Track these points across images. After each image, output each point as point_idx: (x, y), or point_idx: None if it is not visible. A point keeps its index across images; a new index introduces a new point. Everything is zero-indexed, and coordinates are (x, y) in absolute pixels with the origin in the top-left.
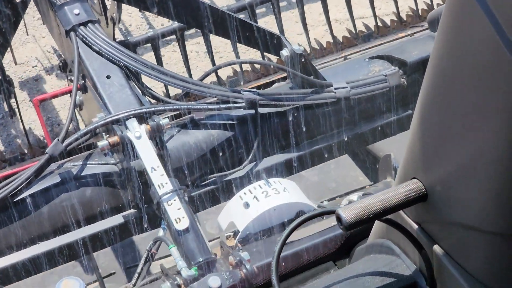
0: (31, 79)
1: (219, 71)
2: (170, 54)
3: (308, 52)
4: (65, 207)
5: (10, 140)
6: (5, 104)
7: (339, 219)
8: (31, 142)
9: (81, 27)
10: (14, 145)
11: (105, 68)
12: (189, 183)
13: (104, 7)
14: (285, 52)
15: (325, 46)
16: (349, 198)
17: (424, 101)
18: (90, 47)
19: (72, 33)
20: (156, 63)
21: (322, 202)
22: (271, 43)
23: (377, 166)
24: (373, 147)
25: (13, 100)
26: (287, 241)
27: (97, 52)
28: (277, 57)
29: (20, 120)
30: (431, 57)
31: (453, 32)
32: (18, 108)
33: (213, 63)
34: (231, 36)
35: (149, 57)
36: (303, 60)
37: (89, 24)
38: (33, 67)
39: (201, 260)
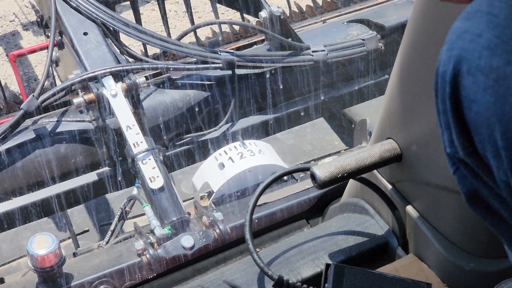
0: (8, 34)
1: (198, 32)
2: (149, 12)
3: (288, 15)
4: (39, 162)
5: None
6: None
7: (313, 177)
8: (6, 97)
9: None
10: None
11: (83, 25)
12: (165, 142)
13: None
14: (263, 14)
15: (304, 9)
16: (324, 161)
17: (401, 63)
18: (68, 3)
19: None
20: (134, 22)
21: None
22: (250, 4)
23: (353, 131)
24: (349, 111)
25: None
26: (261, 202)
27: (75, 9)
28: (256, 19)
29: None
30: (409, 20)
31: None
32: None
33: (192, 23)
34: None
35: (128, 15)
36: (281, 22)
37: None
38: (10, 21)
39: (174, 219)
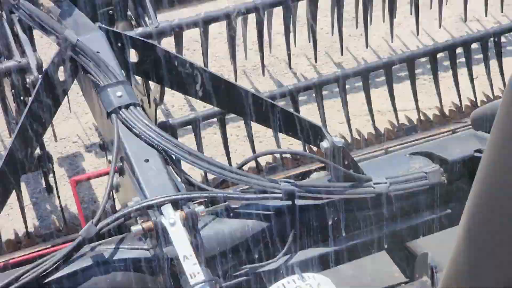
0: (71, 155)
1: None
2: (210, 136)
3: (349, 142)
4: None
5: (46, 215)
6: (43, 179)
7: None
8: (66, 219)
9: (123, 110)
10: (49, 221)
11: (144, 152)
12: (222, 273)
13: (148, 89)
14: (325, 144)
15: (366, 137)
16: None
17: (473, 211)
18: (130, 130)
19: (113, 115)
20: (196, 145)
21: None
22: (311, 133)
23: (414, 264)
24: (411, 243)
25: (51, 175)
26: None
27: (137, 135)
28: (317, 148)
29: (57, 196)
30: (483, 159)
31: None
32: (55, 184)
33: (253, 148)
34: (273, 126)
35: (189, 138)
36: (343, 153)
37: (130, 107)
38: (73, 142)
39: None
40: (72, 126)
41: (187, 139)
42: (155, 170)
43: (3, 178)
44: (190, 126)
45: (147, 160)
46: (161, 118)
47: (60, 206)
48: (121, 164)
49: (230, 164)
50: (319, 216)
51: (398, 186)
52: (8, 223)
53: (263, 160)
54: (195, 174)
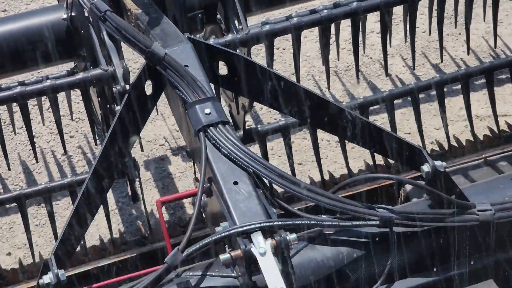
0: (158, 158)
1: None
2: (300, 141)
3: (446, 149)
4: None
5: (131, 220)
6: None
7: None
8: (152, 225)
9: (211, 128)
10: (135, 226)
11: (233, 173)
12: None
13: (236, 95)
14: (425, 168)
15: (464, 144)
16: None
17: None
18: (219, 150)
19: (201, 133)
20: (285, 151)
21: None
22: (409, 155)
23: None
24: None
25: (137, 184)
26: None
27: (226, 156)
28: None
29: (142, 202)
30: None
31: None
32: (141, 190)
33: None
34: (368, 147)
35: (279, 142)
36: (445, 177)
37: (219, 125)
38: (160, 145)
39: None
40: (159, 128)
41: (276, 144)
42: (244, 193)
43: (95, 185)
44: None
45: (236, 183)
46: (249, 121)
47: (146, 212)
48: (208, 185)
49: (321, 171)
50: (418, 245)
51: (505, 213)
52: (93, 228)
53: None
54: None
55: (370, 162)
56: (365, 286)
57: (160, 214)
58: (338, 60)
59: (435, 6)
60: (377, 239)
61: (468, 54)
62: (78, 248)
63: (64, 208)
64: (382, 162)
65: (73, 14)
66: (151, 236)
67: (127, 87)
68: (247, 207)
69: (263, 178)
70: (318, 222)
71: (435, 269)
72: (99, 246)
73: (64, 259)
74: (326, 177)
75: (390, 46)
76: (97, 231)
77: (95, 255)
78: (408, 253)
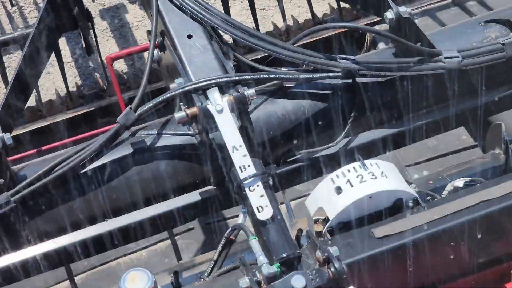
0: (114, 7)
1: None
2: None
3: None
4: (137, 181)
5: (88, 73)
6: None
7: None
8: (109, 77)
9: None
10: (92, 79)
11: (186, 26)
12: (274, 159)
13: None
14: (389, 15)
15: None
16: (454, 184)
17: None
18: (171, 1)
19: None
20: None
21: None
22: (372, 2)
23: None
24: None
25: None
26: None
27: (178, 8)
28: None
29: (98, 54)
30: None
31: None
32: (96, 42)
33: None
34: None
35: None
36: (409, 24)
37: None
38: None
39: (284, 255)
40: None
41: None
42: (199, 47)
43: (40, 38)
44: None
45: (190, 36)
46: None
47: (102, 64)
48: (161, 39)
49: (284, 16)
50: (382, 95)
51: (472, 60)
52: (49, 82)
53: None
54: None
55: (335, 6)
56: (328, 140)
57: (111, 70)
58: None
59: None
60: (339, 91)
61: None
62: (34, 103)
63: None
64: (348, 5)
65: None
66: (109, 89)
67: None
68: (203, 62)
69: (219, 31)
70: (278, 76)
71: (399, 120)
72: (55, 101)
73: (9, 122)
74: (290, 22)
75: None
76: (53, 85)
77: (51, 110)
78: (372, 104)
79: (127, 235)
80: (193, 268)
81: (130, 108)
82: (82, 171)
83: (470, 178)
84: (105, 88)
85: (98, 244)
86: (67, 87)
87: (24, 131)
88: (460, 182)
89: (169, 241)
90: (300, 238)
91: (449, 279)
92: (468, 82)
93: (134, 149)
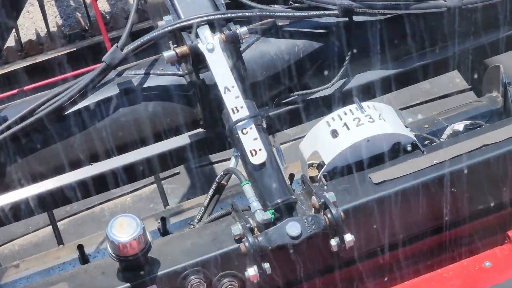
0: None
1: None
2: None
3: None
4: (124, 123)
5: (69, 12)
6: None
7: None
8: (92, 17)
9: None
10: (74, 19)
11: None
12: (267, 101)
13: None
14: None
15: None
16: (454, 128)
17: None
18: None
19: None
20: None
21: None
22: None
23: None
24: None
25: None
26: None
27: None
28: None
29: None
30: None
31: None
32: None
33: None
34: None
35: None
36: None
37: None
38: None
39: (279, 201)
40: None
41: None
42: None
43: None
44: None
45: None
46: None
47: (84, 3)
48: None
49: None
50: (381, 34)
51: None
52: (28, 21)
53: None
54: None
55: None
56: (323, 82)
57: (95, 8)
58: None
59: None
60: (336, 30)
61: None
62: (13, 43)
63: None
64: None
65: None
66: (91, 29)
67: None
68: None
69: None
70: (271, 13)
71: (397, 61)
72: (35, 41)
73: None
74: None
75: None
76: (32, 25)
77: (31, 50)
78: (369, 44)
79: (113, 179)
80: (181, 214)
81: (117, 46)
82: (66, 112)
83: (470, 122)
84: (87, 28)
85: (82, 189)
86: (47, 27)
87: (4, 72)
88: (460, 126)
89: (154, 186)
90: (291, 184)
91: (450, 226)
92: (466, 23)
93: (121, 90)
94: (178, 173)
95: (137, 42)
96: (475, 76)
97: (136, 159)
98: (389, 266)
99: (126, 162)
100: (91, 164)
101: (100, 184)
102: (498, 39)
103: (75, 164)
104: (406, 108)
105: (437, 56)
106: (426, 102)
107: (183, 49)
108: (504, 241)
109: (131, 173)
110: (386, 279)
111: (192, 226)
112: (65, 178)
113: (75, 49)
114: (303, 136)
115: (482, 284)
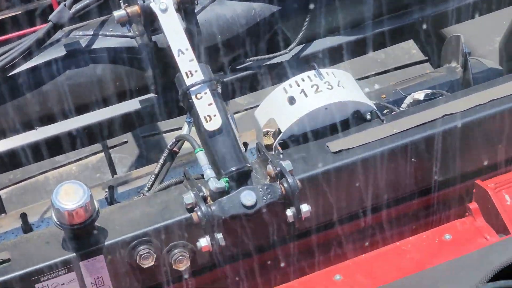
0: None
1: None
2: None
3: None
4: (70, 86)
5: None
6: None
7: None
8: None
9: None
10: None
11: None
12: (223, 66)
13: None
14: None
15: None
16: (414, 97)
17: None
18: None
19: None
20: None
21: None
22: None
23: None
24: (442, 30)
25: None
26: None
27: None
28: None
29: None
30: None
31: None
32: None
33: None
34: None
35: None
36: None
37: None
38: None
39: (233, 169)
40: None
41: None
42: None
43: None
44: None
45: None
46: None
47: None
48: None
49: None
50: (339, 1)
51: None
52: None
53: None
54: None
55: None
56: (280, 47)
57: None
58: None
59: None
60: None
61: None
62: None
63: None
64: None
65: None
66: None
67: None
68: None
69: None
70: None
71: (355, 28)
72: None
73: None
74: None
75: None
76: None
77: None
78: (328, 8)
79: (57, 146)
80: (130, 183)
81: (64, 5)
82: (9, 74)
83: (431, 91)
84: None
85: (24, 156)
86: None
87: None
88: (420, 95)
89: (101, 155)
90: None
91: (409, 197)
92: None
93: (68, 51)
94: (126, 142)
95: (86, 1)
96: (433, 47)
97: (82, 124)
98: (347, 237)
99: (71, 127)
100: (36, 129)
101: (44, 149)
102: (455, 9)
103: (19, 129)
104: (362, 79)
105: (394, 23)
106: (382, 73)
107: (135, 8)
108: (464, 214)
109: (75, 140)
110: (343, 251)
111: (142, 194)
112: (9, 142)
113: (20, 12)
114: (257, 106)
115: (442, 258)
